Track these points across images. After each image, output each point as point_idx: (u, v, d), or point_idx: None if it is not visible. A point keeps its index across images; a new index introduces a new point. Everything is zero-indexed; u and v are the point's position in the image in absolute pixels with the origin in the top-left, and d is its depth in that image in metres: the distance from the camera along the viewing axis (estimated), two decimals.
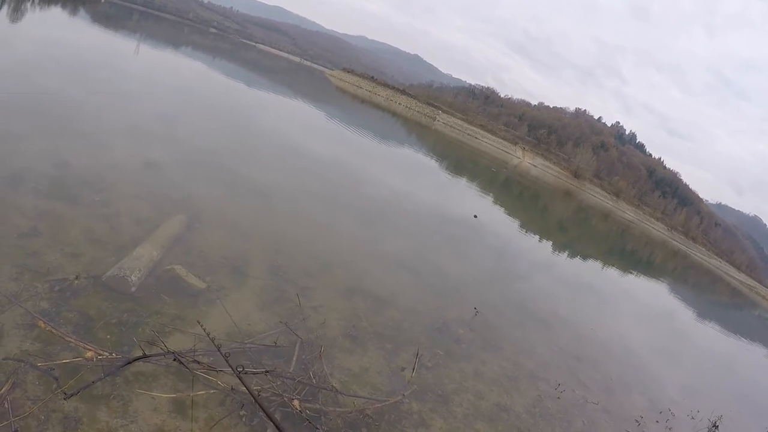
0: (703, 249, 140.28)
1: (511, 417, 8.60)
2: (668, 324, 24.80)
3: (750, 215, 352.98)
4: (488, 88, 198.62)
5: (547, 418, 9.08)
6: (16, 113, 13.33)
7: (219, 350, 5.41)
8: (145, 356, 5.51)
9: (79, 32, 41.90)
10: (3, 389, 4.89)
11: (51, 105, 15.27)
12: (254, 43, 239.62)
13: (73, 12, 57.35)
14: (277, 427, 4.89)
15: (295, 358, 7.14)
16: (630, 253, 50.52)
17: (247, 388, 5.11)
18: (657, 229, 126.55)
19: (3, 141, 11.05)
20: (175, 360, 5.56)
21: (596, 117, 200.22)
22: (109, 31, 52.70)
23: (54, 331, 5.87)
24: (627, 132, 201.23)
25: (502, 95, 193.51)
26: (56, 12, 49.96)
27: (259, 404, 4.94)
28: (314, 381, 6.76)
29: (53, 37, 32.40)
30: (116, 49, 39.84)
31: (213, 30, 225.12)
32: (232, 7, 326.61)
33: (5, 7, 36.19)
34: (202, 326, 5.81)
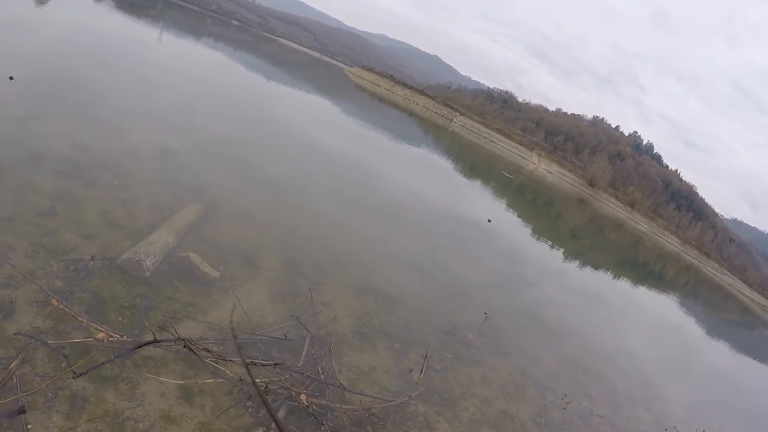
0: (716, 265, 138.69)
1: (517, 425, 8.53)
2: (677, 339, 24.54)
3: (765, 232, 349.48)
4: (506, 91, 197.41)
5: (552, 429, 9.00)
6: (39, 96, 13.47)
7: (236, 344, 5.39)
8: (155, 341, 5.52)
9: (103, 19, 42.18)
10: (12, 364, 4.91)
11: (73, 89, 15.42)
12: (275, 37, 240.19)
13: None
14: (276, 423, 4.86)
15: (304, 353, 7.11)
16: (642, 266, 50.08)
17: (253, 383, 5.08)
18: (670, 242, 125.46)
19: (26, 122, 11.14)
20: (185, 347, 5.55)
21: (614, 126, 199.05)
22: (133, 18, 53.00)
23: (66, 310, 5.89)
24: (644, 142, 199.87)
25: (520, 99, 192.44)
26: None
27: (262, 398, 4.92)
28: (322, 376, 6.74)
29: (77, 22, 32.64)
30: (139, 36, 40.13)
31: (235, 22, 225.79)
32: (254, 0, 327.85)
33: None
34: (232, 314, 5.80)
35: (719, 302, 65.95)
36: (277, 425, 4.84)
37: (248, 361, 5.29)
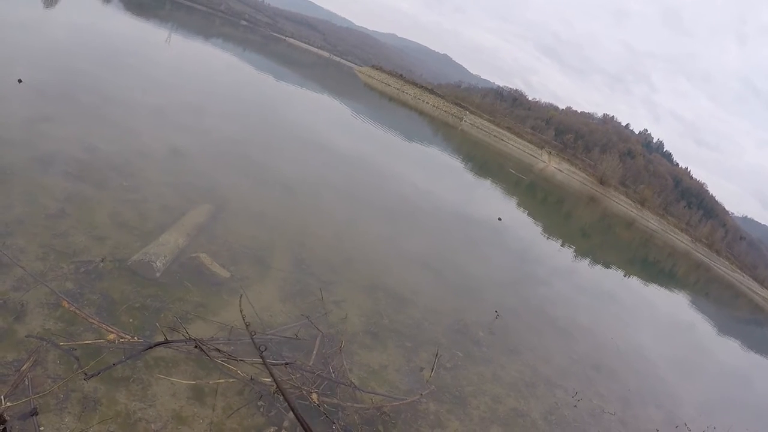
0: (727, 262, 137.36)
1: (527, 423, 8.48)
2: (688, 337, 24.37)
3: None
4: (516, 90, 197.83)
5: (563, 426, 8.95)
6: (48, 98, 13.54)
7: (254, 343, 5.40)
8: (166, 342, 5.54)
9: (111, 20, 42.40)
10: (24, 366, 4.93)
11: (82, 91, 15.46)
12: (284, 37, 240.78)
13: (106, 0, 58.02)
14: (297, 418, 4.85)
15: (315, 352, 7.10)
16: (652, 263, 49.75)
17: (275, 380, 5.09)
18: (681, 240, 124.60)
19: (34, 124, 11.18)
20: (196, 347, 5.57)
21: (624, 124, 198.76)
22: (141, 19, 53.24)
23: (77, 311, 5.90)
24: (654, 140, 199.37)
25: (530, 98, 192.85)
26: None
27: (284, 394, 4.92)
28: (333, 375, 6.73)
29: (86, 24, 32.85)
30: (148, 38, 40.30)
31: (244, 22, 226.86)
32: (263, 0, 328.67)
33: None
34: (242, 314, 5.80)
35: (730, 300, 65.35)
36: (299, 421, 4.85)
37: (264, 359, 5.30)
